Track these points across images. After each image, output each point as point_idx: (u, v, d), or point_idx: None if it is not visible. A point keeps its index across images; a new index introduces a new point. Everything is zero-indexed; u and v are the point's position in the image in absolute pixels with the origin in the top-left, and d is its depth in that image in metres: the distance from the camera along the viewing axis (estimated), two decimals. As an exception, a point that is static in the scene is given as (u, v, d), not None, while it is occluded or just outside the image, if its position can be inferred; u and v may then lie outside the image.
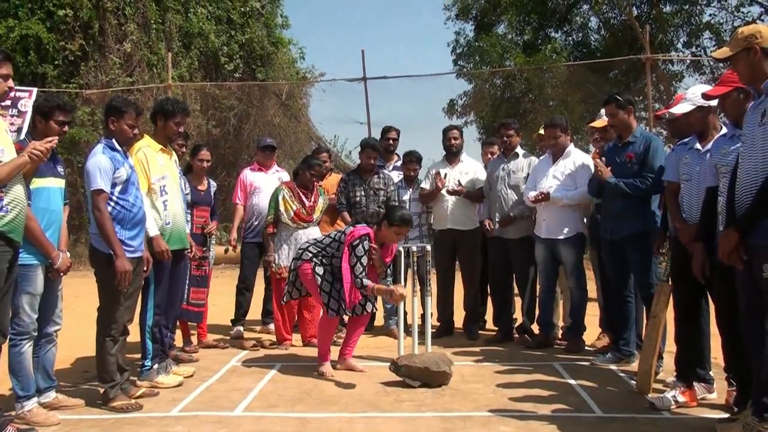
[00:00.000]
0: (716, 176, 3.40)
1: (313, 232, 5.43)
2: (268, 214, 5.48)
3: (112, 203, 3.72)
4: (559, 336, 5.55)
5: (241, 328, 5.90)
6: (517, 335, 5.69)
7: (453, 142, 5.94)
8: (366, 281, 4.45)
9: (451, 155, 5.98)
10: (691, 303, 3.77)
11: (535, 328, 5.57)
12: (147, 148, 4.28)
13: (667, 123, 4.29)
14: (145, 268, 3.96)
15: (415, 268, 5.31)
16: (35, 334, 3.56)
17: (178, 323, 5.07)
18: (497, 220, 5.56)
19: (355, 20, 49.65)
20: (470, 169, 5.96)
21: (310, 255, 4.66)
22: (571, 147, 5.31)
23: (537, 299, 5.57)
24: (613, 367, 4.64)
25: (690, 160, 3.73)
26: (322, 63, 47.70)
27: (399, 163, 6.33)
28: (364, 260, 4.48)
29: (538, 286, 5.52)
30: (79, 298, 6.47)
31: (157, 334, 4.30)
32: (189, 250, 4.74)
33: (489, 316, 6.06)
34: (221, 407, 3.84)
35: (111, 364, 3.80)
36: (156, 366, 4.27)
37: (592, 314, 5.51)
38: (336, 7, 49.37)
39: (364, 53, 10.33)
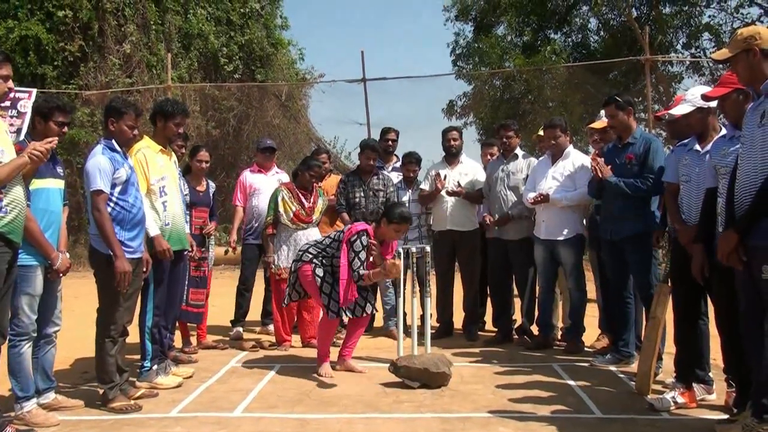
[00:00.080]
0: (715, 177, 3.40)
1: (313, 233, 5.43)
2: (267, 215, 5.48)
3: (112, 204, 3.72)
4: (559, 337, 5.55)
5: (241, 329, 5.90)
6: (516, 336, 5.69)
7: (452, 143, 5.95)
8: (363, 271, 4.45)
9: (451, 156, 5.98)
10: (690, 304, 3.77)
11: (535, 329, 5.57)
12: (146, 149, 4.28)
13: (666, 124, 4.30)
14: (144, 269, 3.96)
15: (415, 269, 5.32)
16: (34, 335, 3.56)
17: (177, 324, 5.07)
18: (495, 218, 5.56)
19: (354, 21, 49.75)
20: (470, 170, 5.96)
21: (310, 256, 4.66)
22: (570, 148, 5.31)
23: (536, 300, 5.57)
24: (612, 368, 4.64)
25: (689, 161, 3.73)
26: (321, 64, 47.75)
27: (398, 164, 6.33)
28: (362, 255, 4.48)
29: (537, 287, 5.53)
30: (79, 299, 6.46)
31: (157, 335, 4.30)
32: (190, 250, 4.75)
33: (488, 317, 6.05)
34: (220, 408, 3.84)
35: (110, 365, 3.79)
36: (155, 367, 4.26)
37: (592, 315, 5.51)
38: (335, 8, 49.46)
39: (364, 54, 10.35)
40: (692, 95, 3.79)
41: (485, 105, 16.02)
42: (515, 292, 5.82)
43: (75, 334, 4.70)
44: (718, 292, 3.51)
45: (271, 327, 5.76)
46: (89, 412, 3.78)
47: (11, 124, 5.58)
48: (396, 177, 6.16)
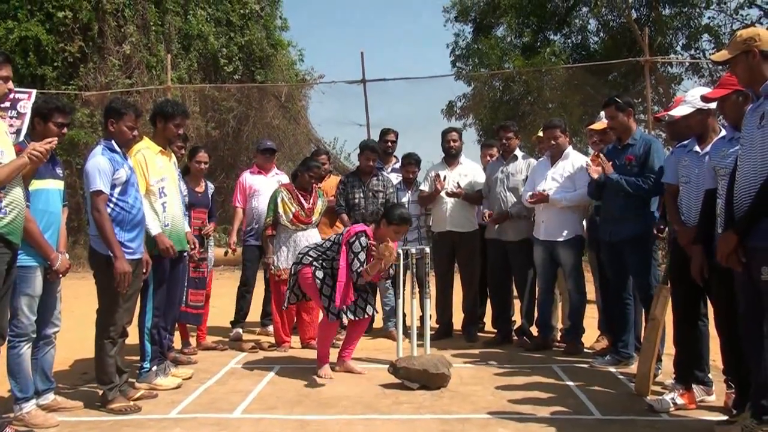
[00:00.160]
0: (715, 179, 3.40)
1: (312, 234, 5.43)
2: (267, 216, 5.48)
3: (112, 205, 3.72)
4: (558, 338, 5.55)
5: (240, 330, 5.90)
6: (516, 337, 5.69)
7: (452, 144, 5.95)
8: (360, 269, 4.45)
9: (450, 157, 5.99)
10: (689, 305, 3.77)
11: (534, 330, 5.57)
12: (146, 149, 4.29)
13: (666, 125, 4.30)
14: (144, 270, 3.96)
15: (414, 270, 5.31)
16: (34, 335, 3.56)
17: (176, 325, 5.07)
18: (494, 216, 5.55)
19: (354, 22, 49.70)
20: (469, 171, 5.96)
21: (310, 259, 4.66)
22: (569, 149, 5.32)
23: (536, 301, 5.57)
24: (611, 369, 4.64)
25: (689, 162, 3.74)
26: (321, 65, 47.81)
27: (398, 166, 6.33)
28: (362, 256, 4.48)
29: (536, 289, 5.53)
30: (78, 299, 6.46)
31: (156, 336, 4.30)
32: (192, 248, 4.77)
33: (488, 318, 6.05)
34: (220, 409, 3.84)
35: (110, 365, 3.79)
36: (155, 368, 4.26)
37: (591, 316, 5.51)
38: (335, 8, 49.44)
39: (364, 55, 10.37)
40: (692, 96, 3.79)
41: (485, 106, 16.01)
42: (515, 293, 5.81)
43: (74, 335, 4.70)
44: (717, 293, 3.51)
45: (271, 328, 5.76)
46: (88, 413, 3.78)
47: (11, 125, 5.56)
48: (395, 178, 6.16)
